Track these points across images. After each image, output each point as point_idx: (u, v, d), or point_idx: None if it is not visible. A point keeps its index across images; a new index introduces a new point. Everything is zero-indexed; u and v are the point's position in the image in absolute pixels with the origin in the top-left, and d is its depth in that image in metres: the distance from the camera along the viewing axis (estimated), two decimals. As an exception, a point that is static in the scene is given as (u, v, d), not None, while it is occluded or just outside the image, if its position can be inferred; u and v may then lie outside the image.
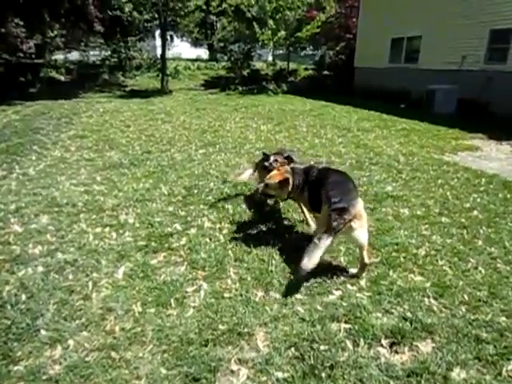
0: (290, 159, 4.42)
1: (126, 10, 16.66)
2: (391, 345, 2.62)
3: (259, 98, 17.36)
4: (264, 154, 4.59)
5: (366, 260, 3.35)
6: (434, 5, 14.99)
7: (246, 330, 2.74)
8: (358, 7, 20.63)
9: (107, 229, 4.32)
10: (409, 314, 2.87)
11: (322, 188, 3.45)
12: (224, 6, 20.49)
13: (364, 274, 3.40)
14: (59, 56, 22.44)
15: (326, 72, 24.65)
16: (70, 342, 2.64)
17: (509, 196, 5.40)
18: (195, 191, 5.49)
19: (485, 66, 13.26)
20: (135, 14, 16.91)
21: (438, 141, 8.97)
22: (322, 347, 2.58)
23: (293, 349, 2.58)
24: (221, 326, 2.77)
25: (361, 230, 3.22)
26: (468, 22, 13.71)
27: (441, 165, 6.89)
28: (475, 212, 4.83)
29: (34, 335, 2.69)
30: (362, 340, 2.64)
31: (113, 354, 2.53)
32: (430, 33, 15.48)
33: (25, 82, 16.87)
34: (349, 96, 17.76)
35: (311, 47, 33.58)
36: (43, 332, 2.71)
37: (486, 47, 13.27)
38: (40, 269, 3.49)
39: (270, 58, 28.14)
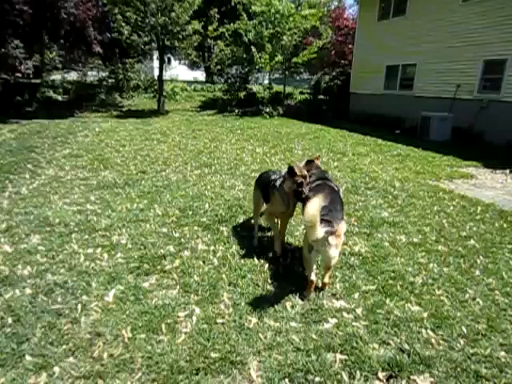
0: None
1: (125, 32, 16.80)
2: (388, 378, 2.53)
3: (255, 121, 17.45)
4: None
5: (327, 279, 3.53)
6: (429, 35, 15.32)
7: (238, 358, 2.66)
8: (353, 35, 21.07)
9: (99, 250, 4.24)
10: (406, 346, 2.79)
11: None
12: (221, 30, 20.77)
13: (360, 302, 3.34)
14: (57, 76, 22.55)
15: (321, 96, 24.99)
16: (56, 368, 2.54)
17: (505, 226, 5.36)
18: (190, 212, 5.43)
19: (479, 95, 13.46)
20: (134, 36, 17.06)
21: (433, 167, 9.00)
22: (316, 379, 2.49)
23: (287, 380, 2.50)
24: (213, 354, 2.68)
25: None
26: (462, 53, 13.99)
27: (436, 192, 6.87)
28: (472, 241, 4.78)
29: (18, 361, 2.59)
30: (358, 372, 2.55)
31: (100, 382, 2.44)
32: (424, 61, 15.77)
33: (21, 101, 16.90)
34: (344, 120, 17.92)
35: (307, 72, 34.15)
36: (28, 357, 2.61)
37: (480, 77, 13.50)
38: (28, 291, 3.39)
39: (266, 82, 28.47)
